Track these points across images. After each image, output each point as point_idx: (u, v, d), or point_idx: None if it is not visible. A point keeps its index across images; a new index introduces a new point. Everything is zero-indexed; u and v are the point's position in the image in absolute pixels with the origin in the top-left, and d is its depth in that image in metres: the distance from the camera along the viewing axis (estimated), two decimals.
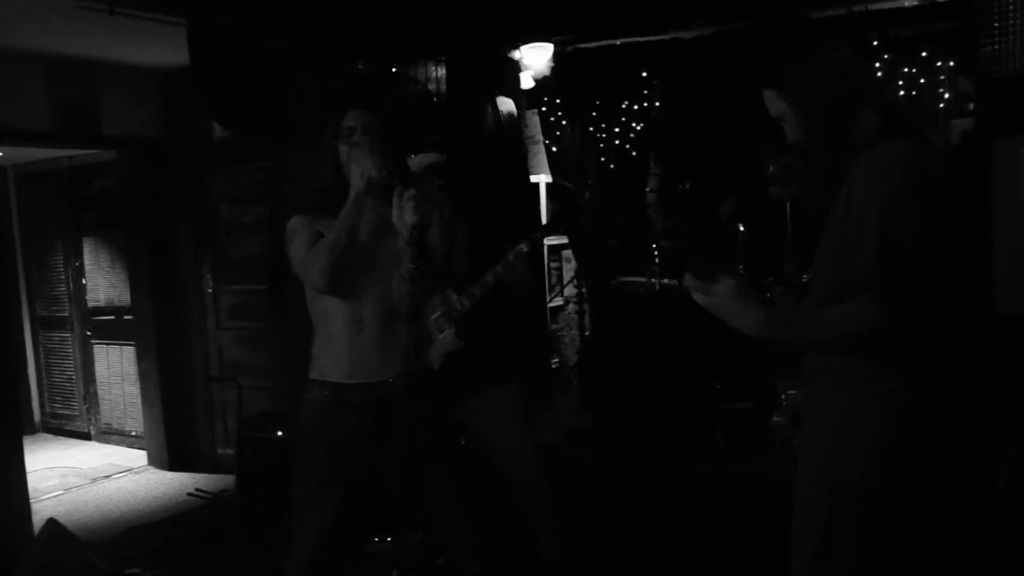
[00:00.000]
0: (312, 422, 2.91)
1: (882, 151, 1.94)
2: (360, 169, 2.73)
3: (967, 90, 3.06)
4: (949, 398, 1.95)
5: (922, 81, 5.34)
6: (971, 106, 3.02)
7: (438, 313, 3.55)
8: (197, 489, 5.48)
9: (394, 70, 5.62)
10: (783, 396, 3.36)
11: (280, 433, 4.60)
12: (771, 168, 4.74)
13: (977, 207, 3.03)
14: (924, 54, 5.32)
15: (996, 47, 2.90)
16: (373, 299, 2.84)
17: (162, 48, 5.24)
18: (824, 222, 2.05)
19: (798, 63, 2.06)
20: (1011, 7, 2.89)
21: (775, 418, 3.31)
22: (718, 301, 1.99)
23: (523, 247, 3.36)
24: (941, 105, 5.14)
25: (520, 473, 3.57)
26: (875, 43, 5.43)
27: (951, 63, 4.99)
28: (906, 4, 5.06)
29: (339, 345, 2.86)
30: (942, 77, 5.30)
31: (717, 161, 5.24)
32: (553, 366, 6.41)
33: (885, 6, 5.23)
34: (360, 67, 5.42)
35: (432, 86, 5.73)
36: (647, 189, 2.48)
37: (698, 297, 2.02)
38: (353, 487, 2.91)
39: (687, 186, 3.82)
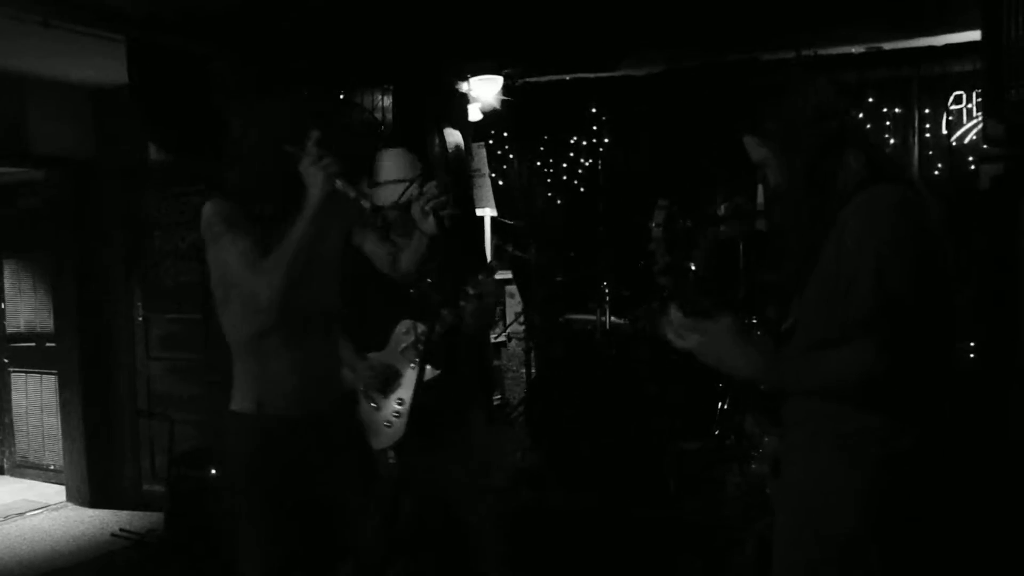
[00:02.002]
0: (257, 466, 2.61)
1: (872, 196, 1.90)
2: (321, 178, 2.38)
3: (996, 134, 3.05)
4: (939, 448, 1.91)
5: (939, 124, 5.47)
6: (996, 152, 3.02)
7: (405, 344, 3.38)
8: (122, 529, 5.20)
9: (340, 97, 5.51)
10: (760, 444, 3.30)
11: (213, 471, 4.39)
12: (722, 208, 4.74)
13: (1006, 256, 3.00)
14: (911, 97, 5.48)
15: None
16: (314, 316, 2.60)
17: (95, 65, 5.05)
18: (808, 268, 2.00)
19: (777, 108, 2.02)
20: None
21: (753, 467, 3.25)
22: (711, 340, 1.91)
23: (493, 267, 3.25)
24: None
25: (477, 508, 3.44)
26: (857, 84, 5.55)
27: (978, 105, 5.09)
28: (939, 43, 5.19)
29: (282, 370, 2.56)
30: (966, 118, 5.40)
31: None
32: (495, 402, 6.31)
33: (903, 46, 5.35)
34: (305, 93, 5.30)
35: (379, 115, 5.63)
36: (653, 224, 2.39)
37: (688, 338, 1.93)
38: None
39: (689, 222, 3.76)
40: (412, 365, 3.37)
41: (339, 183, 2.39)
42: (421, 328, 3.36)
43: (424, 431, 3.37)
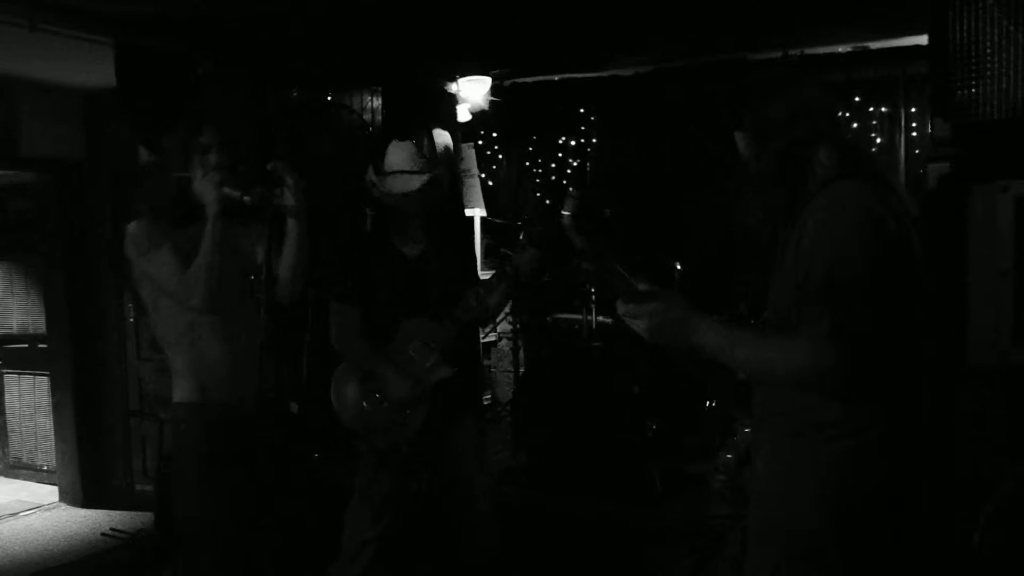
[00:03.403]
0: (205, 453, 2.81)
1: (833, 191, 1.92)
2: (212, 192, 2.68)
3: (943, 134, 3.07)
4: (902, 443, 1.92)
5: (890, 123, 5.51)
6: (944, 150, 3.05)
7: (417, 341, 3.33)
8: (113, 529, 5.23)
9: (329, 98, 5.53)
10: (735, 434, 3.34)
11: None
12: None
13: (952, 254, 3.03)
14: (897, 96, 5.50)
15: (973, 90, 2.91)
16: (238, 312, 2.85)
17: (86, 68, 5.05)
18: (775, 261, 2.03)
19: (757, 104, 2.04)
20: (988, 50, 2.90)
21: (726, 456, 3.28)
22: (659, 321, 1.93)
23: (519, 246, 3.27)
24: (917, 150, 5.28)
25: (478, 503, 3.46)
26: (844, 83, 5.58)
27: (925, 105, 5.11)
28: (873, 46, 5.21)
29: (216, 358, 2.81)
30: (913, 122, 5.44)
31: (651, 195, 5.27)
32: (485, 402, 6.33)
33: (889, 45, 5.39)
34: (294, 94, 5.32)
35: (368, 116, 5.66)
36: (562, 211, 2.43)
37: (636, 324, 1.95)
38: None
39: (609, 213, 3.81)
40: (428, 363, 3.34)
41: (226, 190, 2.68)
42: (432, 323, 3.33)
43: (424, 428, 3.39)
